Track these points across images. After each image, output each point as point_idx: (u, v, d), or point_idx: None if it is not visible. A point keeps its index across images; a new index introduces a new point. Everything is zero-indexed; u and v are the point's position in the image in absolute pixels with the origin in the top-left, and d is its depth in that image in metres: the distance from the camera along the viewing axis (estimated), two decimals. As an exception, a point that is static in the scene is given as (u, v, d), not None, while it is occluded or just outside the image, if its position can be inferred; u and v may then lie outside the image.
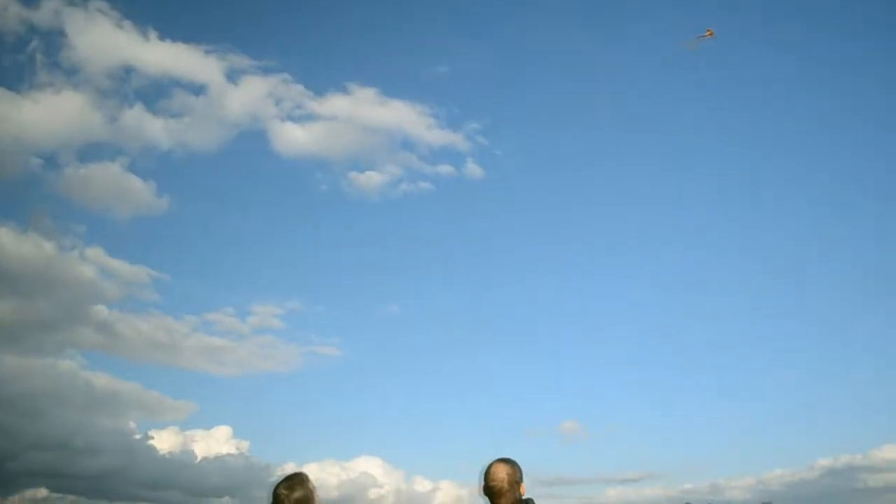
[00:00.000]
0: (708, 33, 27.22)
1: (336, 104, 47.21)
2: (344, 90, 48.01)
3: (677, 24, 44.30)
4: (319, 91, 47.02)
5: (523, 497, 3.25)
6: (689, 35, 28.30)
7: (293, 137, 45.12)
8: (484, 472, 3.28)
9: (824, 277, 49.11)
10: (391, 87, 50.95)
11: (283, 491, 3.47)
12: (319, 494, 3.68)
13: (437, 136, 49.48)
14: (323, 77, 52.23)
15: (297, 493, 3.48)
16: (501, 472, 3.21)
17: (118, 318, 40.61)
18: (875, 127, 51.92)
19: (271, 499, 3.52)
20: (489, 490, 3.22)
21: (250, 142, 45.48)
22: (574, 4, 56.42)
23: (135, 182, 40.89)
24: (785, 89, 53.64)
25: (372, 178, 49.30)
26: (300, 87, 45.12)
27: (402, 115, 47.47)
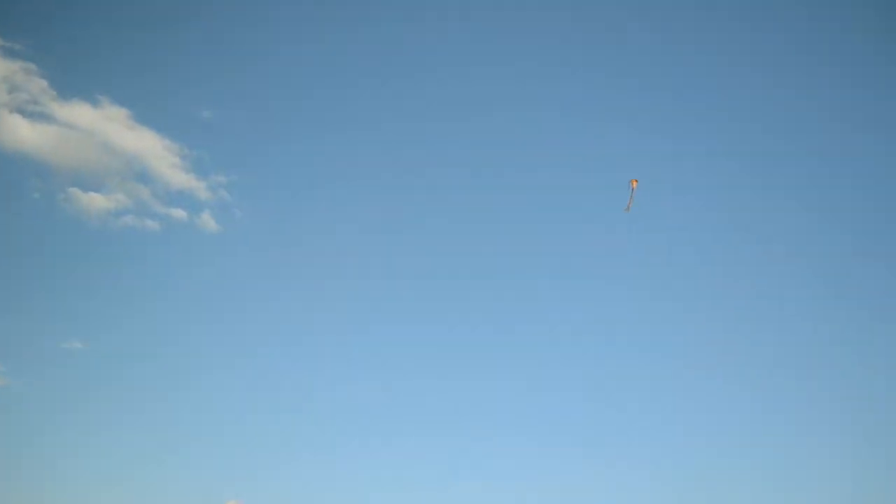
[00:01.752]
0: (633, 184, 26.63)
1: (79, 113, 41.96)
2: (93, 101, 42.50)
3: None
4: (65, 94, 42.95)
5: None
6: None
7: (18, 133, 39.57)
8: None
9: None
10: (145, 115, 46.34)
11: None
12: None
13: (180, 178, 44.23)
14: (74, 81, 45.76)
15: None
16: None
17: None
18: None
19: None
20: None
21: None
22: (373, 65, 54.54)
23: None
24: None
25: (95, 201, 43.47)
26: (43, 84, 41.40)
27: (147, 146, 43.67)
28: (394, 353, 46.53)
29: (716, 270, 50.58)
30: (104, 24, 48.31)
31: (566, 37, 56.61)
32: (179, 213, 45.23)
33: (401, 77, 56.36)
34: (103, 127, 42.55)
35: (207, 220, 45.14)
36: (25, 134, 41.08)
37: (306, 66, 55.67)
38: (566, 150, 54.42)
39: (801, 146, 53.54)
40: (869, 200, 50.30)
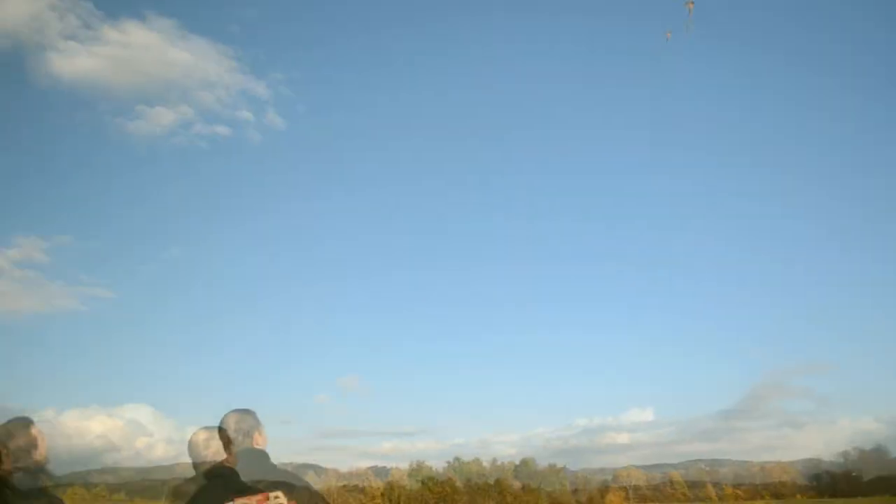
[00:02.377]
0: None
1: (130, 30, 44.58)
2: (140, 17, 45.58)
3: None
4: (113, 14, 45.33)
5: (256, 448, 3.12)
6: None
7: (76, 60, 41.96)
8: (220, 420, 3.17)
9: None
10: (193, 22, 47.62)
11: None
12: (53, 442, 3.20)
13: (238, 80, 46.93)
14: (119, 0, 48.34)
15: (17, 442, 3.01)
16: (230, 423, 3.11)
17: None
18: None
19: None
20: (220, 439, 3.11)
21: (23, 57, 42.24)
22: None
23: None
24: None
25: (162, 116, 47.09)
26: (90, 6, 43.06)
27: (201, 53, 46.00)
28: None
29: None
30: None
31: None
32: (245, 115, 47.97)
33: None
34: (155, 40, 44.60)
35: (273, 118, 47.99)
36: (83, 60, 43.41)
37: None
38: None
39: None
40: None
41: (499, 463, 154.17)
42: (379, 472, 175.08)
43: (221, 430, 3.12)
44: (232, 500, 2.91)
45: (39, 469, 3.10)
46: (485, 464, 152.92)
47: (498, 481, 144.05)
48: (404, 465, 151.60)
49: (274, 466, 3.16)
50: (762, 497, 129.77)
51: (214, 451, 3.09)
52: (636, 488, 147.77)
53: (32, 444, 3.06)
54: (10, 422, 3.10)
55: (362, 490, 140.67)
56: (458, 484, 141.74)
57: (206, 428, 3.16)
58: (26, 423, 3.11)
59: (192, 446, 3.13)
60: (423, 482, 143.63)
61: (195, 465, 3.14)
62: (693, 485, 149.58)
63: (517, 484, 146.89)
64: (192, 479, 3.21)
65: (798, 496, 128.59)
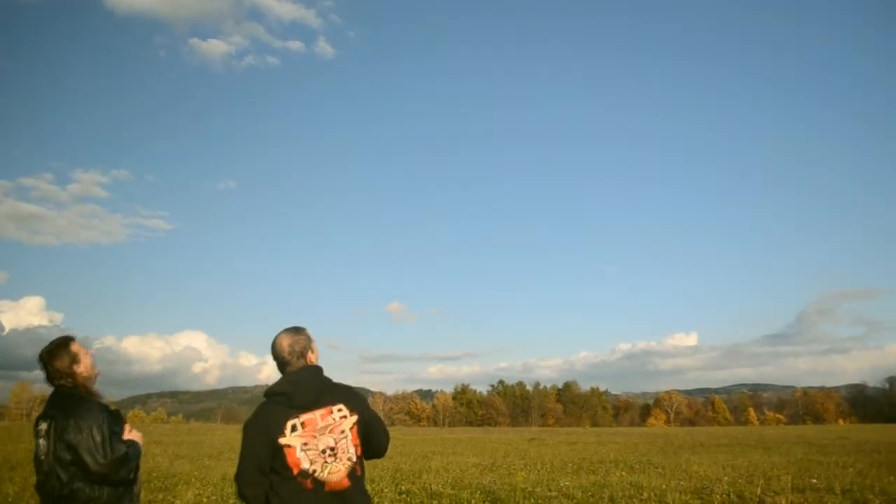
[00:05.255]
0: None
1: None
2: None
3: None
4: None
5: (312, 364, 3.24)
6: None
7: None
8: (272, 342, 3.23)
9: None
10: None
11: (45, 357, 3.35)
12: (96, 365, 3.50)
13: (288, 10, 45.30)
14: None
15: (60, 360, 3.34)
16: (284, 343, 3.18)
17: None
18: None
19: (40, 365, 3.39)
20: (275, 360, 3.22)
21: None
22: None
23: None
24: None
25: (215, 47, 45.94)
26: None
27: None
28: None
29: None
30: None
31: None
32: (296, 45, 47.07)
33: None
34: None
35: (324, 47, 46.90)
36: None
37: None
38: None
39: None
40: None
41: (542, 387, 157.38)
42: (424, 395, 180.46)
43: (290, 339, 3.22)
44: (297, 416, 3.04)
45: (85, 382, 3.42)
46: (528, 387, 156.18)
47: (540, 404, 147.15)
48: (449, 389, 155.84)
49: (331, 381, 3.26)
50: (804, 422, 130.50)
51: (291, 353, 3.22)
52: (678, 412, 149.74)
53: (75, 361, 3.37)
54: (52, 343, 3.42)
55: (409, 412, 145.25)
56: (502, 407, 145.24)
57: (287, 331, 3.26)
58: (67, 340, 3.42)
59: (276, 345, 3.22)
60: (467, 405, 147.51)
61: (275, 360, 3.23)
62: (735, 409, 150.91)
63: (559, 407, 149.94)
64: (250, 402, 3.30)
65: (840, 421, 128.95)
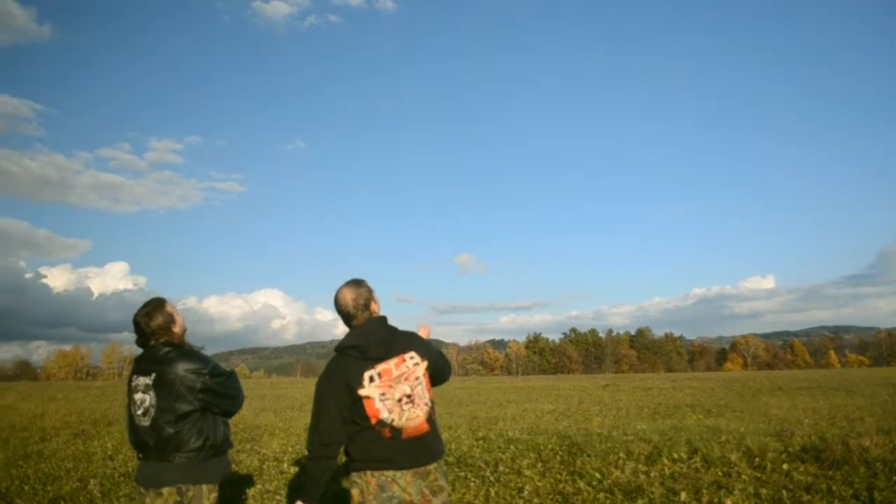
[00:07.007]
0: None
1: None
2: None
3: None
4: None
5: (377, 315, 3.28)
6: None
7: None
8: (334, 297, 3.28)
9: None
10: None
11: (142, 319, 3.49)
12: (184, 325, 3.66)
13: None
14: None
15: (157, 320, 3.50)
16: (347, 297, 3.22)
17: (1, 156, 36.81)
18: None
19: (134, 328, 3.53)
20: (340, 314, 3.27)
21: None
22: None
23: (10, 6, 36.25)
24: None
25: (278, 9, 45.12)
26: None
27: None
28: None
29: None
30: None
31: None
32: (357, 1, 46.22)
33: None
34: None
35: (385, 2, 46.36)
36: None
37: None
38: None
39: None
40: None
41: (614, 334, 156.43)
42: (497, 345, 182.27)
43: (352, 293, 3.26)
44: (373, 367, 3.11)
45: (181, 340, 3.66)
46: (601, 335, 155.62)
47: (614, 351, 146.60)
48: (521, 338, 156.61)
49: (397, 329, 3.32)
50: (889, 364, 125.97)
51: (355, 306, 3.27)
52: (755, 356, 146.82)
53: (171, 320, 3.59)
54: (147, 304, 3.59)
55: (482, 362, 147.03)
56: (574, 354, 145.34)
57: (348, 284, 3.31)
58: (161, 302, 3.64)
59: (339, 298, 3.27)
60: (540, 353, 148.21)
61: (340, 314, 3.30)
62: (815, 352, 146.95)
63: (633, 353, 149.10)
64: (327, 356, 3.44)
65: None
